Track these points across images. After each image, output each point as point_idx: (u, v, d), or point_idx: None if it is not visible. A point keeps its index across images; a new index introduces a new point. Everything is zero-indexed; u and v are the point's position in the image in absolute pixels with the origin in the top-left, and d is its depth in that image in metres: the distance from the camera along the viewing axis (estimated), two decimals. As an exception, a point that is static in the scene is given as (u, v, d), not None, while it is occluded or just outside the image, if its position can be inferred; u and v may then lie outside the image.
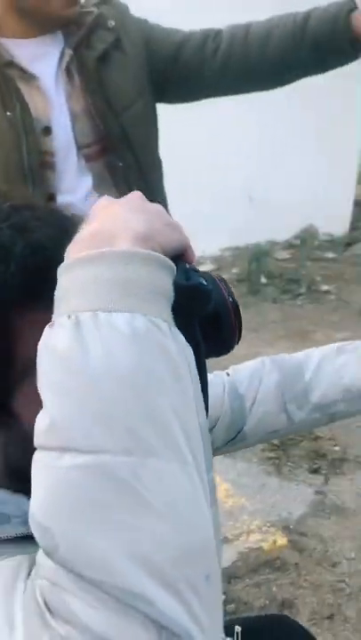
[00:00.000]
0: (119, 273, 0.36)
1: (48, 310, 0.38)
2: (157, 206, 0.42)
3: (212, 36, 1.09)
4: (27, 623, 0.32)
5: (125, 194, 0.42)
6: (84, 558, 0.30)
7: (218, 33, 1.09)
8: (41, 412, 0.34)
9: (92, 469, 0.31)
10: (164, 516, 0.31)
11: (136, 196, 0.42)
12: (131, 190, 0.43)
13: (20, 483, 0.45)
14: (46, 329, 0.36)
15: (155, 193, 1.14)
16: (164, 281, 0.37)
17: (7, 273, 0.43)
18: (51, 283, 0.38)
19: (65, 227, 0.47)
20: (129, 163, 1.10)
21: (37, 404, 0.38)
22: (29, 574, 0.34)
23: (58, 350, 0.34)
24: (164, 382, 0.34)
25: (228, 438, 0.78)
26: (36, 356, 0.36)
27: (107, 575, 0.30)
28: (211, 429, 0.73)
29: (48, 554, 0.32)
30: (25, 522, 0.37)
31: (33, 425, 0.37)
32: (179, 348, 0.36)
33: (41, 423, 0.34)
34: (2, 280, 0.42)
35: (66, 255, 0.39)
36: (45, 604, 0.31)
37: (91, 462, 0.31)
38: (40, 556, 0.33)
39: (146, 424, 0.32)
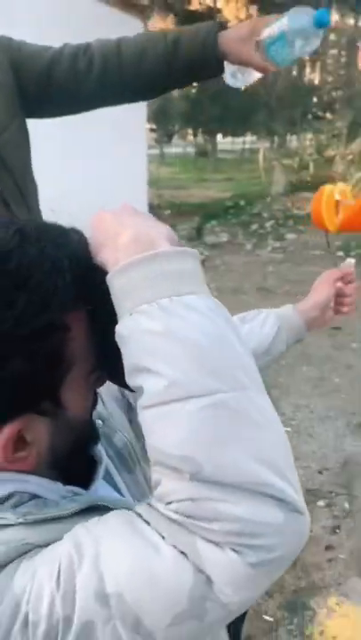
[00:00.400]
0: (174, 267, 0.47)
1: (83, 310, 0.50)
2: (146, 213, 0.51)
3: (82, 51, 1.08)
4: (170, 538, 0.42)
5: (6, 216, 0.46)
6: (224, 470, 0.41)
7: (87, 47, 1.08)
8: (147, 378, 0.44)
9: (213, 406, 0.42)
10: (267, 428, 0.44)
11: (129, 206, 0.53)
12: (12, 213, 0.47)
13: (59, 471, 0.55)
14: (125, 319, 0.46)
15: (34, 213, 1.13)
16: (200, 267, 0.49)
17: (63, 284, 0.47)
18: (88, 286, 0.49)
19: (75, 238, 0.52)
20: (8, 186, 1.07)
21: (79, 394, 0.53)
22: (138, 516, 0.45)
23: (157, 330, 0.44)
24: (234, 339, 0.46)
25: None
26: (77, 351, 0.50)
27: (243, 476, 0.41)
28: None
29: (191, 476, 0.41)
30: (72, 501, 0.52)
31: (76, 414, 0.53)
32: (228, 315, 0.48)
33: (155, 387, 0.43)
34: (59, 290, 0.47)
35: (107, 261, 0.49)
36: (187, 516, 0.42)
37: (211, 402, 0.42)
38: (161, 492, 0.44)
39: (236, 368, 0.44)
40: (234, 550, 0.40)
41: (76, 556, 0.43)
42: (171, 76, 1.05)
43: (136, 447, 0.72)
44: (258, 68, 0.97)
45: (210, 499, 0.41)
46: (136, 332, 0.45)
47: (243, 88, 1.04)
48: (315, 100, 13.23)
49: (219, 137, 23.15)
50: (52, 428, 0.52)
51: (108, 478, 0.65)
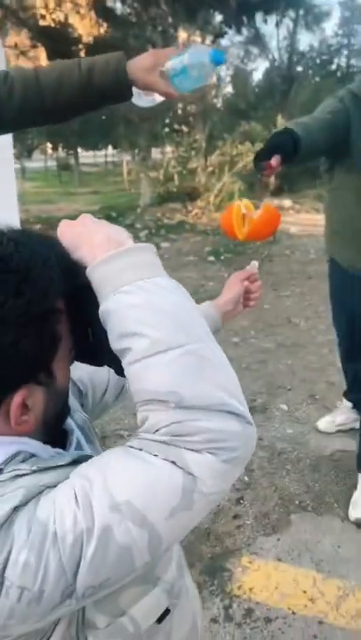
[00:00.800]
0: (142, 258, 0.65)
1: (62, 299, 0.64)
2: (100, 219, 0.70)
3: (1, 79, 1.16)
4: (161, 454, 0.58)
5: None
6: (198, 397, 0.59)
7: (6, 75, 1.16)
8: (134, 340, 0.60)
9: (185, 354, 0.60)
10: (222, 366, 0.62)
11: (88, 215, 0.71)
12: None
13: (49, 435, 0.70)
14: (110, 299, 0.62)
15: None
16: (157, 257, 0.67)
17: (55, 277, 0.62)
18: (71, 278, 0.64)
19: (54, 241, 0.68)
20: None
21: (64, 367, 0.68)
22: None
23: (139, 303, 0.61)
24: (191, 306, 0.65)
25: (117, 393, 1.03)
26: (63, 331, 0.65)
27: (211, 400, 0.59)
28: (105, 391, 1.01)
29: (175, 405, 0.58)
30: (62, 456, 0.66)
31: (61, 384, 0.68)
32: (184, 290, 0.66)
33: (141, 345, 0.60)
34: (54, 281, 0.62)
35: (85, 257, 0.65)
36: (173, 436, 0.58)
37: (184, 351, 0.60)
38: (149, 424, 0.60)
39: (196, 327, 0.63)
40: (210, 453, 0.58)
41: (87, 482, 0.58)
42: (86, 102, 1.18)
43: (91, 425, 0.88)
44: (162, 94, 1.14)
45: (190, 419, 0.58)
46: (122, 306, 0.61)
47: (148, 107, 1.21)
48: (171, 114, 13.82)
49: (80, 150, 23.12)
50: (45, 395, 0.66)
51: (78, 447, 0.79)
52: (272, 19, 11.74)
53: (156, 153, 11.02)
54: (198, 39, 15.62)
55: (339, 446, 2.68)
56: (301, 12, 11.81)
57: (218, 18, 11.68)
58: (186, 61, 1.05)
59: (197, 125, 10.81)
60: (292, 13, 11.68)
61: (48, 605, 0.56)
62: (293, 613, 1.75)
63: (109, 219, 9.74)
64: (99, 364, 0.73)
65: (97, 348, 0.69)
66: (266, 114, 11.69)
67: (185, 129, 10.79)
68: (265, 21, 11.61)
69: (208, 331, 0.64)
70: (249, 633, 1.70)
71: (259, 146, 9.76)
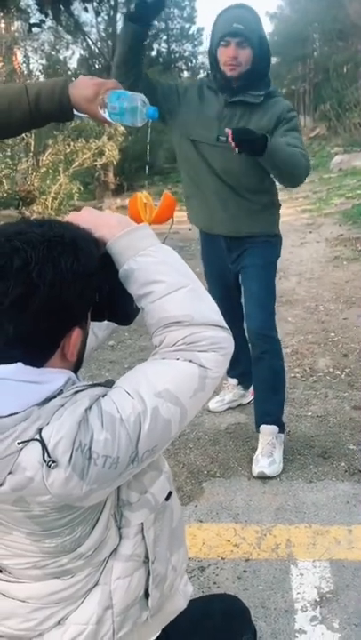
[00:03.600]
0: (146, 232, 1.11)
1: None
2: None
3: None
4: (181, 357, 1.02)
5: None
6: (203, 317, 1.04)
7: None
8: (155, 284, 1.04)
9: (189, 291, 1.05)
10: (208, 297, 1.10)
11: (90, 208, 1.15)
12: None
13: (77, 369, 1.10)
14: (131, 261, 1.05)
15: None
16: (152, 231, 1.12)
17: (92, 247, 1.04)
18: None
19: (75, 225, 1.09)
20: None
21: (88, 317, 1.10)
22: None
23: (157, 261, 1.06)
24: (183, 261, 1.11)
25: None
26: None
27: (210, 318, 1.05)
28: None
29: (189, 323, 1.03)
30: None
31: (88, 328, 1.10)
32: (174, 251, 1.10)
33: (160, 287, 1.04)
34: (92, 249, 1.04)
35: (105, 235, 1.08)
36: (188, 344, 1.02)
37: (188, 289, 1.05)
38: (168, 341, 1.04)
39: (190, 273, 1.09)
40: (213, 351, 1.03)
41: (133, 383, 1.00)
42: (32, 124, 1.51)
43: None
44: (100, 121, 1.48)
45: (198, 332, 1.02)
46: (143, 264, 1.05)
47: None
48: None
49: None
50: (82, 337, 1.06)
51: None
52: (90, 6, 12.42)
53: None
54: (12, 27, 15.72)
55: (232, 421, 3.23)
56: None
57: (28, 2, 12.04)
58: (125, 106, 1.40)
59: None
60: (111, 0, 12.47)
61: (121, 468, 0.96)
62: (222, 559, 2.22)
63: None
64: (101, 319, 1.15)
65: (101, 307, 1.10)
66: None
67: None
68: (85, 9, 12.24)
69: (194, 274, 1.10)
70: (188, 582, 2.13)
71: (94, 142, 10.31)
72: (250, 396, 3.31)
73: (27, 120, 1.48)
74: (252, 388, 3.15)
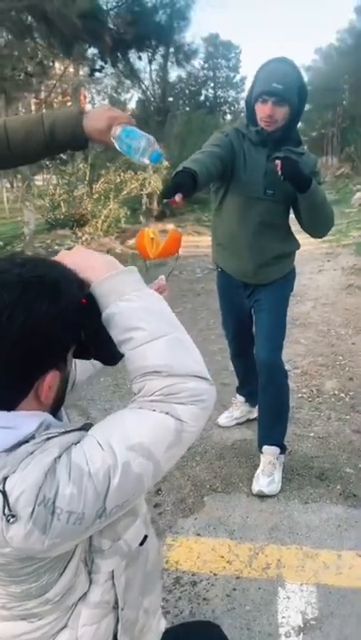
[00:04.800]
0: (132, 277, 0.94)
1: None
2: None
3: None
4: (158, 409, 0.85)
5: None
6: (182, 367, 0.87)
7: None
8: (135, 331, 0.88)
9: (172, 339, 0.88)
10: (192, 346, 0.92)
11: (81, 247, 0.98)
12: None
13: (54, 410, 0.94)
14: (112, 305, 0.89)
15: None
16: (140, 275, 0.96)
17: (75, 288, 0.89)
18: (80, 289, 0.91)
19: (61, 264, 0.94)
20: None
21: (70, 358, 0.93)
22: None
23: (138, 307, 0.90)
24: (168, 308, 0.94)
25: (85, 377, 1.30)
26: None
27: (190, 369, 0.88)
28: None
29: (167, 374, 0.85)
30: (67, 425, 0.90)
31: (68, 370, 0.93)
32: (160, 296, 0.95)
33: (141, 334, 0.87)
34: (74, 291, 0.89)
35: (90, 277, 0.91)
36: (166, 395, 0.85)
37: (170, 337, 0.88)
38: (146, 390, 0.87)
39: (173, 320, 0.92)
40: (192, 404, 0.87)
41: (106, 433, 0.84)
42: (48, 153, 1.39)
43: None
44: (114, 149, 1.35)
45: (177, 383, 0.86)
46: (125, 309, 0.90)
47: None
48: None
49: None
50: (60, 379, 0.91)
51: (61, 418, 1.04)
52: (145, 55, 12.47)
53: (38, 181, 11.09)
54: (71, 69, 15.93)
55: (238, 437, 3.04)
56: (172, 49, 12.63)
57: (92, 51, 12.12)
58: (132, 145, 1.27)
59: (78, 155, 11.05)
60: (162, 50, 12.47)
61: (87, 523, 0.80)
62: (215, 575, 2.04)
63: (-2, 247, 9.67)
64: (87, 357, 0.99)
65: (86, 346, 0.95)
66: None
67: (64, 158, 10.97)
68: (139, 58, 12.28)
69: (179, 322, 0.94)
70: (179, 596, 1.95)
71: (141, 174, 10.28)
72: (257, 412, 3.13)
73: (42, 149, 1.36)
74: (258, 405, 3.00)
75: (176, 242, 1.44)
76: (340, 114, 27.34)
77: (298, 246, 2.60)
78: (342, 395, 3.59)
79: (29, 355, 0.83)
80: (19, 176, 10.46)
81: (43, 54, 11.18)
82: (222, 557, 2.13)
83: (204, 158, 2.16)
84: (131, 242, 9.44)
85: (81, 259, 0.94)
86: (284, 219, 2.50)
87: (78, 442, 0.84)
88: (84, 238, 8.99)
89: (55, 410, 0.94)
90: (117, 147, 1.31)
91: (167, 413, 0.85)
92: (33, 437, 0.84)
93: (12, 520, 0.76)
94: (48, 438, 0.84)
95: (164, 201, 1.92)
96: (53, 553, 0.83)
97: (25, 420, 0.86)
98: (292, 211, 2.48)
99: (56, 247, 8.46)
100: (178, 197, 1.85)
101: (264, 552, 2.15)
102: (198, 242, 9.85)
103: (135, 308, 0.89)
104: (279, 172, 2.17)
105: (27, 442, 0.83)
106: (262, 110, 2.25)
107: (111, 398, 3.50)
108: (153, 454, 0.83)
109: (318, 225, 2.40)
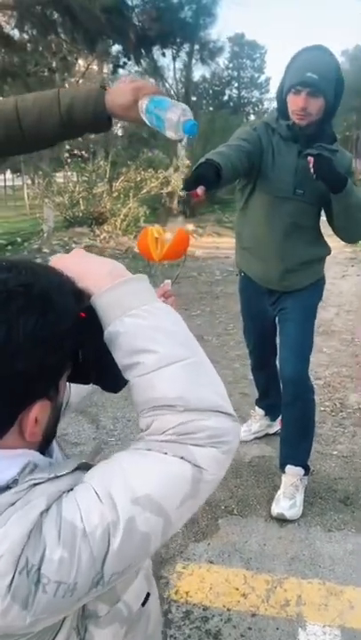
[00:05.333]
0: (141, 286, 0.76)
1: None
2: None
3: None
4: (171, 452, 0.68)
5: None
6: (200, 401, 0.70)
7: None
8: (144, 355, 0.70)
9: (188, 365, 0.71)
10: (213, 374, 0.74)
11: (81, 250, 0.80)
12: None
13: (44, 446, 0.76)
14: (117, 322, 0.72)
15: None
16: (151, 285, 0.78)
17: (69, 301, 0.71)
18: (77, 303, 0.74)
19: (59, 272, 0.76)
20: None
21: (63, 384, 0.75)
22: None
23: (147, 325, 0.72)
24: (183, 324, 0.76)
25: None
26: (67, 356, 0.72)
27: (210, 403, 0.70)
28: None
29: (183, 408, 0.68)
30: (58, 465, 0.72)
31: (61, 398, 0.74)
32: (175, 311, 0.78)
33: (151, 359, 0.70)
34: (69, 305, 0.71)
35: (91, 287, 0.74)
36: (180, 435, 0.68)
37: (186, 363, 0.71)
38: (156, 427, 0.70)
39: (191, 341, 0.75)
40: (212, 447, 0.69)
41: (105, 482, 0.66)
42: (66, 136, 1.22)
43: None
44: (143, 125, 1.16)
45: (194, 420, 0.69)
46: (131, 327, 0.72)
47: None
48: (72, 140, 13.87)
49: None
50: (51, 410, 0.73)
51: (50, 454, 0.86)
52: (169, 52, 12.31)
53: (59, 178, 11.00)
54: (96, 67, 15.85)
55: (256, 453, 2.85)
56: (197, 46, 12.45)
57: (116, 48, 12.00)
58: (162, 116, 1.08)
59: (99, 152, 10.94)
60: (187, 47, 12.30)
61: (79, 594, 0.63)
62: (228, 610, 1.86)
63: (15, 244, 9.60)
64: (86, 382, 0.81)
65: (85, 368, 0.77)
66: (167, 142, 12.06)
67: (85, 155, 10.87)
68: (163, 54, 12.11)
69: (198, 344, 0.76)
70: (188, 633, 1.78)
71: (162, 173, 10.12)
72: (277, 426, 2.95)
73: (59, 131, 1.19)
74: (279, 419, 2.81)
75: (184, 241, 1.26)
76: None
77: (329, 251, 2.41)
78: (368, 409, 3.38)
79: (11, 382, 0.66)
80: (40, 172, 10.38)
81: (67, 50, 11.08)
82: (237, 590, 1.94)
83: (229, 152, 1.98)
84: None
85: (79, 264, 0.77)
86: (315, 221, 2.31)
87: (71, 489, 0.67)
88: (102, 237, 8.86)
89: (44, 446, 0.77)
90: (147, 121, 1.13)
91: (182, 458, 0.68)
92: (15, 482, 0.68)
93: None
94: (34, 484, 0.67)
95: (184, 193, 1.73)
96: (37, 628, 0.66)
97: (5, 461, 0.69)
98: (323, 213, 2.30)
99: (73, 245, 8.35)
100: (200, 190, 1.67)
101: (283, 586, 1.96)
102: (218, 243, 9.68)
103: (144, 326, 0.72)
104: (311, 170, 1.98)
105: (8, 488, 0.67)
106: (295, 102, 2.05)
107: (123, 406, 3.33)
108: (163, 509, 0.66)
109: (353, 229, 2.21)
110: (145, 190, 9.85)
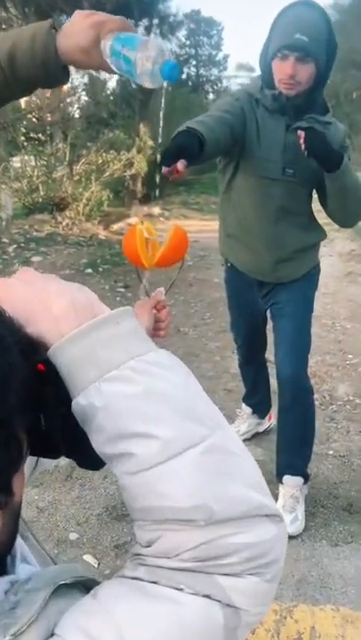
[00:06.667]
0: (123, 328, 0.48)
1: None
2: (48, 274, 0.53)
3: None
4: (188, 587, 0.43)
5: None
6: (230, 506, 0.45)
7: None
8: (137, 443, 0.45)
9: (207, 452, 0.45)
10: (243, 454, 0.49)
11: (29, 269, 0.53)
12: None
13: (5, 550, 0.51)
14: (91, 389, 0.46)
15: None
16: (138, 323, 0.51)
17: (15, 363, 0.44)
18: (28, 360, 0.46)
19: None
20: None
21: (21, 478, 0.48)
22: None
23: (136, 393, 0.45)
24: (193, 382, 0.50)
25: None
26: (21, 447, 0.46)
27: (245, 505, 0.46)
28: None
29: (206, 522, 0.44)
30: (14, 594, 0.47)
31: (19, 498, 0.49)
32: (178, 360, 0.51)
33: (149, 449, 0.44)
34: (14, 370, 0.44)
35: (45, 333, 0.47)
36: (202, 560, 0.44)
37: (204, 448, 0.45)
38: (165, 549, 0.45)
39: (208, 410, 0.49)
40: (252, 574, 0.45)
41: (94, 635, 0.41)
42: (12, 95, 0.96)
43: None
44: (109, 72, 0.90)
45: (223, 536, 0.44)
46: (113, 399, 0.45)
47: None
48: (26, 122, 13.29)
49: None
50: (2, 518, 0.47)
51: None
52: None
53: (16, 163, 10.51)
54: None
55: (248, 457, 2.64)
56: (155, 21, 11.97)
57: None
58: (132, 58, 0.83)
59: (57, 134, 10.48)
60: (145, 22, 11.79)
61: None
62: (235, 650, 1.65)
63: (-29, 234, 9.11)
64: (55, 456, 0.54)
65: (49, 437, 0.51)
66: (127, 122, 11.66)
67: (42, 138, 10.39)
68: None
69: (218, 410, 0.49)
70: None
71: (124, 154, 9.74)
72: (266, 423, 2.76)
73: (1, 90, 0.92)
74: (269, 414, 2.71)
75: (182, 245, 1.01)
76: (325, 93, 27.04)
77: (324, 235, 2.18)
78: (358, 401, 3.22)
79: None
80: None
81: (17, 26, 10.51)
82: (242, 624, 1.73)
83: (211, 122, 1.71)
84: (115, 226, 8.95)
85: (29, 296, 0.49)
86: (307, 203, 2.08)
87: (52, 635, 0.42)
88: (64, 223, 8.45)
89: (3, 555, 0.51)
90: (113, 66, 0.87)
91: (207, 597, 0.44)
92: None
93: None
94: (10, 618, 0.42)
95: (162, 170, 1.46)
96: None
97: None
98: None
99: (35, 233, 7.95)
100: (180, 165, 1.42)
101: (293, 616, 1.76)
102: (186, 226, 9.41)
103: (133, 394, 0.46)
104: (302, 147, 1.74)
105: None
106: (282, 69, 1.79)
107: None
108: None
109: (349, 211, 1.98)
110: (108, 173, 9.45)
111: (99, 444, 0.47)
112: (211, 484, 0.45)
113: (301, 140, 1.73)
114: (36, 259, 6.92)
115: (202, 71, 35.18)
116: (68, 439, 0.51)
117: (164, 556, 0.45)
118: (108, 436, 0.46)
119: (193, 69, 35.35)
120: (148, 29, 12.03)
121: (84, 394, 0.46)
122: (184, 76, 34.07)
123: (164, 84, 0.84)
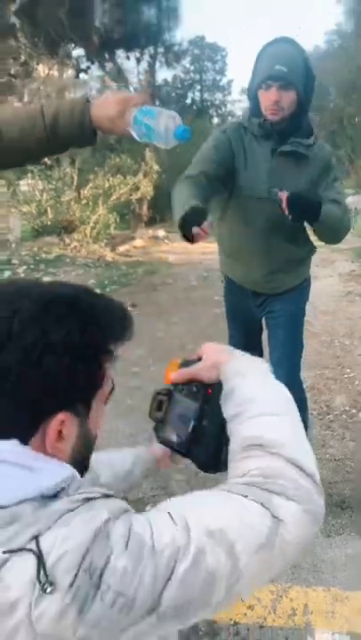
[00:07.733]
0: (248, 358, 0.93)
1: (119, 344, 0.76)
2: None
3: None
4: (251, 495, 0.68)
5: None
6: (297, 456, 0.72)
7: None
8: (248, 404, 0.79)
9: (289, 421, 0.78)
10: (309, 446, 0.76)
11: (212, 344, 1.00)
12: None
13: (81, 468, 0.74)
14: (236, 379, 0.84)
15: None
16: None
17: (114, 323, 0.75)
18: (124, 327, 0.78)
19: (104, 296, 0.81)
20: None
21: (98, 409, 0.75)
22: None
23: (255, 382, 0.85)
24: (278, 382, 0.86)
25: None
26: (108, 374, 0.74)
27: (305, 464, 0.72)
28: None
29: (277, 452, 0.71)
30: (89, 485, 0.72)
31: (92, 427, 0.74)
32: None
33: (256, 407, 0.79)
34: (113, 327, 0.75)
35: (222, 361, 0.91)
36: (265, 477, 0.70)
37: (290, 418, 0.78)
38: (242, 468, 0.73)
39: (293, 404, 0.81)
40: (294, 501, 0.68)
41: (182, 510, 0.66)
42: (49, 151, 1.21)
43: None
44: (130, 137, 1.16)
45: (285, 467, 0.70)
46: (244, 384, 0.83)
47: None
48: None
49: None
50: (78, 430, 0.72)
51: None
52: (132, 56, 12.29)
53: (23, 186, 10.88)
54: (56, 73, 15.74)
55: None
56: (161, 49, 12.48)
57: (79, 52, 11.94)
58: (152, 125, 1.09)
59: (64, 159, 10.87)
60: (151, 50, 12.31)
61: (134, 616, 0.59)
62: (235, 623, 1.86)
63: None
64: (182, 453, 0.94)
65: (195, 436, 0.90)
66: (133, 147, 12.07)
67: (49, 162, 10.79)
68: (127, 58, 12.09)
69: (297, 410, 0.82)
70: (198, 650, 1.77)
71: (131, 179, 10.09)
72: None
73: (41, 148, 1.18)
74: None
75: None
76: (327, 117, 27.46)
77: (313, 250, 2.42)
78: (354, 411, 3.44)
79: (34, 382, 0.66)
80: (2, 181, 10.25)
81: (27, 55, 10.99)
82: (243, 602, 1.95)
83: (197, 190, 1.94)
84: (122, 248, 9.26)
85: (217, 349, 0.95)
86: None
87: (133, 512, 0.67)
88: (72, 245, 8.78)
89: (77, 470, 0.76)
90: (135, 134, 1.13)
91: (262, 505, 0.67)
92: (61, 492, 0.67)
93: (49, 589, 0.56)
94: (87, 499, 0.65)
95: (193, 236, 1.67)
96: None
97: (47, 465, 0.67)
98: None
99: (43, 255, 8.27)
100: (207, 224, 1.65)
101: (288, 595, 1.97)
102: (190, 248, 9.70)
103: (254, 382, 0.84)
104: (286, 212, 1.98)
105: (54, 497, 0.65)
106: (267, 98, 2.03)
107: (109, 415, 3.31)
108: (234, 550, 0.64)
109: (334, 237, 2.23)
110: (114, 197, 9.82)
111: (228, 409, 0.81)
112: (288, 435, 0.75)
113: (284, 205, 1.98)
114: (45, 279, 7.21)
115: (206, 96, 35.91)
116: (205, 441, 0.88)
117: (239, 475, 0.71)
118: (238, 401, 0.80)
119: (197, 94, 36.09)
120: (153, 57, 12.51)
121: (232, 381, 0.85)
122: (188, 101, 34.77)
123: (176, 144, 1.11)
